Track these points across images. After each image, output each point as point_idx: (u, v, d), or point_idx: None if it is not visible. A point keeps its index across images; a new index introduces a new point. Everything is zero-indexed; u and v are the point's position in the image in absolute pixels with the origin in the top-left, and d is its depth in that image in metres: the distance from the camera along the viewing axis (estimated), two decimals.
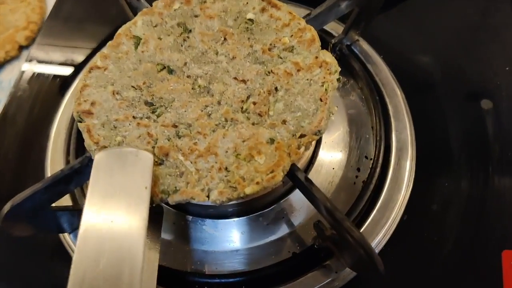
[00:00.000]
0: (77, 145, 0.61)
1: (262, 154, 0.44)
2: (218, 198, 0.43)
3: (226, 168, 0.44)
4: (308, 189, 0.44)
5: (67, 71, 0.73)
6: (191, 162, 0.45)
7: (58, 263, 0.56)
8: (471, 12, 0.73)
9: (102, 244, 0.36)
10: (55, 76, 0.72)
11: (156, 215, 0.50)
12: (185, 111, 0.48)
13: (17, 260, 0.57)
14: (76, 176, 0.47)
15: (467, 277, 0.52)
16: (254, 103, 0.47)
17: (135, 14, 0.64)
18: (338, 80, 0.48)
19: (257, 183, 0.43)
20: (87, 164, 0.47)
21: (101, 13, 0.80)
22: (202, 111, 0.48)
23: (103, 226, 0.37)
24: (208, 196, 0.43)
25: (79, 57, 0.74)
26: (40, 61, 0.75)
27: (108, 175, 0.40)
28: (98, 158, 0.41)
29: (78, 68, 0.72)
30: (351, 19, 0.61)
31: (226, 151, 0.45)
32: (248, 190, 0.42)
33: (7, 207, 0.43)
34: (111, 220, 0.37)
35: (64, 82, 0.71)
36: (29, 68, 0.74)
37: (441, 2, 0.75)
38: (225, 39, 0.52)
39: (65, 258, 0.55)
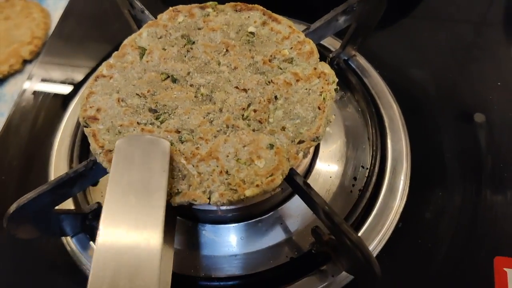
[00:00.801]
0: (80, 153, 0.63)
1: (262, 159, 0.46)
2: (219, 200, 0.44)
3: (227, 172, 0.45)
4: (307, 193, 0.45)
5: (68, 89, 0.74)
6: (193, 166, 0.46)
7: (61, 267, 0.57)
8: (464, 30, 0.76)
9: (119, 256, 0.37)
10: (56, 95, 0.73)
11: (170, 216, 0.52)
12: (188, 118, 0.49)
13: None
14: (80, 179, 0.48)
15: (461, 282, 0.53)
16: (255, 111, 0.49)
17: (139, 27, 0.66)
18: (335, 90, 0.50)
19: (257, 185, 0.44)
20: (91, 167, 0.48)
21: (101, 32, 0.82)
22: (204, 118, 0.49)
23: (120, 237, 0.37)
24: (209, 198, 0.44)
25: (79, 76, 0.75)
26: (42, 80, 0.76)
27: (128, 161, 0.42)
28: (119, 143, 0.44)
29: (78, 86, 0.73)
30: (348, 34, 0.63)
31: (227, 156, 0.46)
32: (248, 192, 0.44)
33: (12, 207, 0.44)
34: (127, 230, 0.38)
35: (64, 100, 0.72)
36: (30, 86, 0.76)
37: (435, 21, 0.78)
38: (227, 50, 0.53)
39: (68, 262, 0.56)
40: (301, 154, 0.47)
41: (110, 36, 0.80)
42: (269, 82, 0.51)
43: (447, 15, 0.79)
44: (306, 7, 0.77)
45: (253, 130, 0.48)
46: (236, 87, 0.51)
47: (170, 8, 0.56)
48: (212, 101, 0.50)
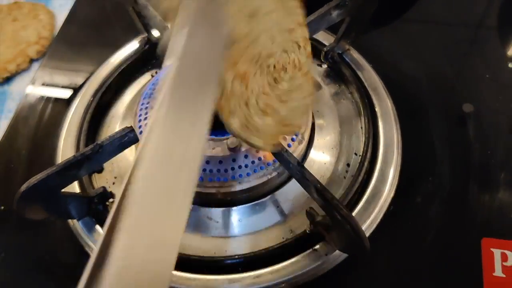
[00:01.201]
0: (86, 142, 0.65)
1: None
2: (236, 130, 0.41)
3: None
4: (300, 173, 0.48)
5: (69, 93, 0.77)
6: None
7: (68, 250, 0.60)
8: (456, 28, 0.79)
9: None
10: (57, 99, 0.76)
11: None
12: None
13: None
14: (87, 162, 0.51)
15: (450, 262, 0.55)
16: (274, 67, 0.44)
17: (143, 23, 0.70)
18: None
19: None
20: (97, 151, 0.51)
21: (104, 37, 0.85)
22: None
23: None
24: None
25: (80, 80, 0.78)
26: (44, 84, 0.79)
27: None
28: None
29: (79, 88, 0.75)
30: (342, 28, 0.66)
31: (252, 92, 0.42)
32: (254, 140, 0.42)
33: (23, 187, 0.46)
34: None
35: (71, 94, 0.75)
36: (37, 81, 0.79)
37: (429, 20, 0.81)
38: None
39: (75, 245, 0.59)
40: None
41: (112, 41, 0.83)
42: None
43: (440, 14, 0.82)
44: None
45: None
46: None
47: None
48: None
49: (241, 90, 0.40)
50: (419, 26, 0.81)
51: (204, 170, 0.54)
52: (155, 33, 0.73)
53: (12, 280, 0.58)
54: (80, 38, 0.86)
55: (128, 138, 0.52)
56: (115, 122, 0.69)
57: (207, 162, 0.54)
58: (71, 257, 0.59)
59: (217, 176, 0.55)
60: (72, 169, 0.50)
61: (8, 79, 0.84)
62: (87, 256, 0.58)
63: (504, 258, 0.55)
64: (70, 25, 0.88)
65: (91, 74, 0.76)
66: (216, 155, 0.53)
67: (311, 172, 0.49)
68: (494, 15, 0.81)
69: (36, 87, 0.78)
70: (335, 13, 0.61)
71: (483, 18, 0.80)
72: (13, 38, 0.89)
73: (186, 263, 0.55)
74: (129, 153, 0.64)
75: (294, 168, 0.49)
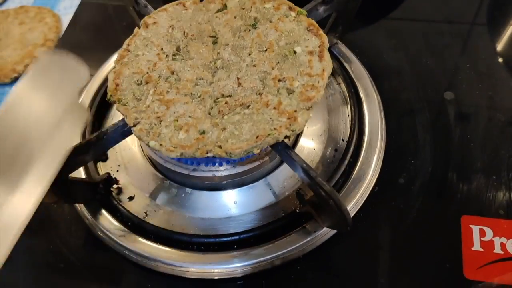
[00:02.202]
0: (92, 131, 0.70)
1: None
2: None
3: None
4: (288, 154, 0.52)
5: None
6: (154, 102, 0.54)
7: (76, 232, 0.64)
8: (439, 19, 0.83)
9: None
10: None
11: None
12: (189, 70, 0.57)
13: None
14: (93, 147, 0.55)
15: (431, 238, 0.59)
16: (226, 103, 0.53)
17: None
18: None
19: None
20: (102, 137, 0.55)
21: (106, 40, 0.89)
22: (196, 78, 0.56)
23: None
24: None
25: None
26: None
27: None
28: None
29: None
30: (329, 23, 0.70)
31: (174, 113, 0.53)
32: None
33: None
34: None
35: None
36: None
37: (414, 15, 0.85)
38: (266, 50, 0.56)
39: (81, 227, 0.63)
40: None
41: (114, 43, 0.87)
42: (259, 93, 0.54)
43: (424, 10, 0.86)
44: None
45: (209, 113, 0.53)
46: (237, 78, 0.55)
47: None
48: (214, 73, 0.56)
49: (159, 109, 0.53)
50: (404, 21, 0.85)
51: None
52: None
53: (24, 262, 0.63)
54: (83, 40, 0.91)
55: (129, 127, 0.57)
56: (118, 116, 0.74)
57: None
58: (78, 238, 0.63)
59: (212, 161, 0.60)
60: (79, 153, 0.54)
61: (16, 79, 0.88)
62: (93, 237, 0.62)
63: (482, 233, 0.59)
64: (74, 27, 0.93)
65: (96, 71, 0.80)
66: None
67: (301, 156, 0.53)
68: (476, 11, 0.85)
69: None
70: (321, 9, 0.65)
71: (465, 13, 0.85)
72: (20, 41, 0.94)
73: (186, 241, 0.59)
74: (132, 143, 0.68)
75: (282, 150, 0.53)
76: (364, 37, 0.81)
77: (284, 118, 0.51)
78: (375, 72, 0.73)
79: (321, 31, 0.56)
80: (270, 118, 0.51)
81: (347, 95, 0.69)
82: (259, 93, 0.53)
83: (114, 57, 0.79)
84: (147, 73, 0.57)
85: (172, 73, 0.57)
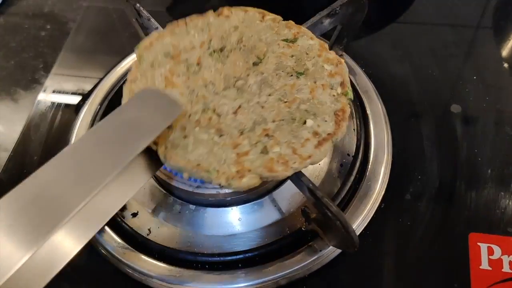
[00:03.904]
0: None
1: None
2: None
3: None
4: (294, 174, 0.51)
5: (79, 98, 0.81)
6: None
7: None
8: (444, 32, 0.82)
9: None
10: (66, 105, 0.80)
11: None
12: (211, 71, 0.55)
13: None
14: None
15: (438, 257, 0.58)
16: (210, 119, 0.52)
17: (146, 34, 0.74)
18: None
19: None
20: None
21: (110, 45, 0.89)
22: (209, 80, 0.54)
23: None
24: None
25: (89, 86, 0.82)
26: (56, 90, 0.83)
27: (138, 105, 0.46)
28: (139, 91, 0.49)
29: (88, 94, 0.79)
30: (334, 35, 0.70)
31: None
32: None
33: None
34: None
35: (79, 101, 0.79)
36: (46, 93, 0.82)
37: (419, 24, 0.85)
38: (285, 102, 0.53)
39: None
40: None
41: (118, 48, 0.87)
42: (241, 132, 0.51)
43: (430, 18, 0.86)
44: (293, 8, 0.85)
45: (188, 116, 0.51)
46: (239, 106, 0.53)
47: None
48: (226, 87, 0.54)
49: (158, 84, 0.53)
50: (409, 30, 0.85)
51: None
52: None
53: None
54: (88, 46, 0.90)
55: None
56: None
57: None
58: (81, 256, 0.62)
59: None
60: None
61: None
62: (94, 250, 0.61)
63: (491, 252, 0.58)
64: (78, 34, 0.92)
65: (98, 82, 0.80)
66: None
67: (307, 172, 0.52)
68: (484, 18, 0.84)
69: (47, 94, 0.82)
70: (326, 22, 0.65)
71: (472, 22, 0.84)
72: None
73: (190, 260, 0.59)
74: None
75: None
76: (368, 47, 0.81)
77: (233, 169, 0.48)
78: (380, 84, 0.72)
79: (343, 124, 0.51)
80: (224, 160, 0.48)
81: (353, 108, 0.68)
82: (241, 132, 0.50)
83: (119, 65, 0.79)
84: (180, 50, 0.57)
85: (198, 64, 0.56)
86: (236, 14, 0.61)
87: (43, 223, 0.34)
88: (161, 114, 0.46)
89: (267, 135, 0.50)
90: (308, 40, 0.58)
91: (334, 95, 0.53)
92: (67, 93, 0.81)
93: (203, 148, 0.49)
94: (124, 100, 0.54)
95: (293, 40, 0.58)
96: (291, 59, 0.56)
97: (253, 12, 0.61)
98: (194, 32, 0.59)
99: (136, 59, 0.57)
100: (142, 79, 0.54)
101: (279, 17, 0.61)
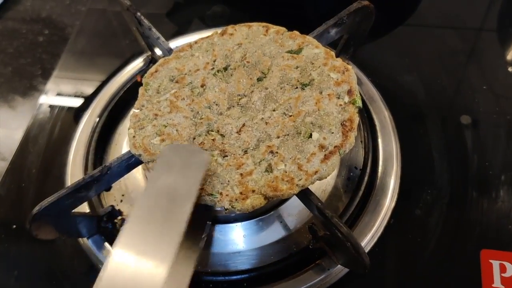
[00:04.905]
0: (94, 160, 0.67)
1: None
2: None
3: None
4: (302, 192, 0.50)
5: (80, 101, 0.79)
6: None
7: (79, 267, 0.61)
8: (452, 38, 0.80)
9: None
10: (69, 108, 0.78)
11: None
12: (215, 91, 0.55)
13: None
14: (96, 184, 0.53)
15: (449, 274, 0.57)
16: (214, 140, 0.51)
17: (146, 43, 0.72)
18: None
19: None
20: (106, 172, 0.53)
21: (111, 49, 0.87)
22: (213, 101, 0.54)
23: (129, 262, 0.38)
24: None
25: (90, 89, 0.80)
26: (57, 94, 0.81)
27: (168, 167, 0.43)
28: (164, 150, 0.46)
29: (89, 99, 0.78)
30: (340, 44, 0.68)
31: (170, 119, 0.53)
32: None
33: (36, 209, 0.48)
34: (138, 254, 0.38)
35: (78, 111, 0.77)
36: (46, 100, 0.80)
37: (425, 31, 0.83)
38: (290, 116, 0.52)
39: (85, 262, 0.61)
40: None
41: (118, 52, 0.85)
42: (244, 152, 0.50)
43: (435, 24, 0.84)
44: (300, 18, 0.83)
45: (192, 138, 0.52)
46: (243, 125, 0.52)
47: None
48: (230, 106, 0.54)
49: (163, 109, 0.54)
50: (415, 36, 0.83)
51: None
52: (158, 52, 0.75)
53: None
54: (88, 50, 0.88)
55: (135, 159, 0.54)
56: (122, 140, 0.71)
57: None
58: (82, 273, 0.61)
59: None
60: (81, 190, 0.52)
61: None
62: (97, 272, 0.59)
63: (503, 269, 0.56)
64: (79, 39, 0.90)
65: (98, 91, 0.78)
66: None
67: (313, 187, 0.50)
68: (492, 23, 0.82)
69: (48, 97, 0.80)
70: (333, 31, 0.63)
71: (480, 30, 0.82)
72: None
73: (194, 280, 0.57)
74: (136, 172, 0.66)
75: None
76: (374, 55, 0.79)
77: (236, 190, 0.47)
78: (387, 94, 0.71)
79: (351, 134, 0.50)
80: (228, 181, 0.48)
81: (360, 119, 0.66)
82: (245, 151, 0.50)
83: (119, 74, 0.77)
84: (185, 74, 0.57)
85: (202, 86, 0.56)
86: (240, 31, 0.60)
87: None
88: (192, 171, 0.44)
89: (271, 152, 0.49)
90: (313, 49, 0.57)
91: (341, 105, 0.51)
92: (69, 95, 0.80)
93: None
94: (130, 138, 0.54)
95: (298, 51, 0.57)
96: (295, 71, 0.55)
97: (256, 27, 0.60)
98: (198, 53, 0.59)
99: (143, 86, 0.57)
100: (148, 105, 0.55)
101: (283, 29, 0.60)
